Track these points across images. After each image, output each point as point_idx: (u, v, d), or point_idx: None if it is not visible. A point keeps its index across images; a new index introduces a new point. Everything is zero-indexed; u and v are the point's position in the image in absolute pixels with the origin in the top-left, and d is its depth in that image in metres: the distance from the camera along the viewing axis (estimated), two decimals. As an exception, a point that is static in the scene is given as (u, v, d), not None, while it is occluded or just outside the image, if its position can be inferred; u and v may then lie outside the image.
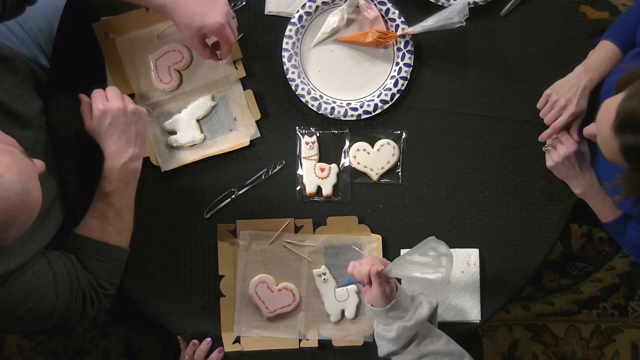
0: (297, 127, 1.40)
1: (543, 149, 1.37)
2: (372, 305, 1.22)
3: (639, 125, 0.97)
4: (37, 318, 1.15)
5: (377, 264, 1.18)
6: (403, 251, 1.40)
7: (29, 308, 1.12)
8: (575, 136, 1.33)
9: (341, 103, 1.39)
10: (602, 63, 1.29)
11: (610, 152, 1.04)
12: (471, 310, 1.40)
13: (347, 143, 1.40)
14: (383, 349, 1.23)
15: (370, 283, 1.20)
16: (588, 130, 1.14)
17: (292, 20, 1.37)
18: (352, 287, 1.38)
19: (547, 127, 1.36)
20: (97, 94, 1.26)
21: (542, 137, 1.37)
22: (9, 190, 0.89)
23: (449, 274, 1.12)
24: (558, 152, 1.32)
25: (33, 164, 0.97)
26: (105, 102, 1.25)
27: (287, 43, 1.37)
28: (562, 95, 1.31)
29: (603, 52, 1.30)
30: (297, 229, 1.40)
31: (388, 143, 1.39)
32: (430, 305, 1.21)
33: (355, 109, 1.39)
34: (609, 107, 1.02)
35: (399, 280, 1.31)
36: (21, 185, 0.91)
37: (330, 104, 1.38)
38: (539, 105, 1.37)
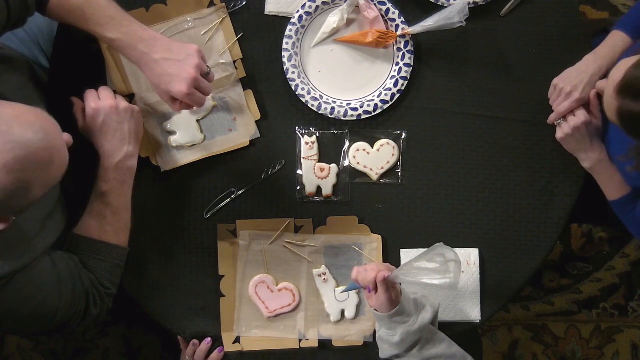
0: (296, 127, 1.40)
1: (555, 123, 1.36)
2: (376, 310, 1.21)
3: (638, 93, 0.98)
4: (40, 318, 1.15)
5: (384, 270, 1.17)
6: (403, 251, 1.40)
7: (33, 307, 1.12)
8: (594, 102, 1.31)
9: (341, 103, 1.39)
10: (612, 52, 1.28)
11: (610, 111, 1.05)
12: (471, 310, 1.40)
13: (347, 143, 1.40)
14: (385, 352, 1.22)
15: (376, 289, 1.19)
16: (599, 84, 1.14)
17: (292, 20, 1.37)
18: (352, 287, 1.38)
19: (552, 130, 1.37)
20: (89, 93, 1.27)
21: (549, 120, 1.37)
22: (26, 132, 0.91)
23: (457, 280, 1.11)
24: (569, 122, 1.31)
25: (55, 121, 0.99)
26: (98, 100, 1.26)
27: (287, 43, 1.37)
28: (568, 83, 1.31)
29: (613, 42, 1.29)
30: (297, 229, 1.40)
31: (388, 143, 1.39)
32: (433, 309, 1.20)
33: (355, 109, 1.39)
34: (622, 67, 1.02)
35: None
36: (39, 126, 0.93)
37: (330, 104, 1.38)
38: (548, 95, 1.37)
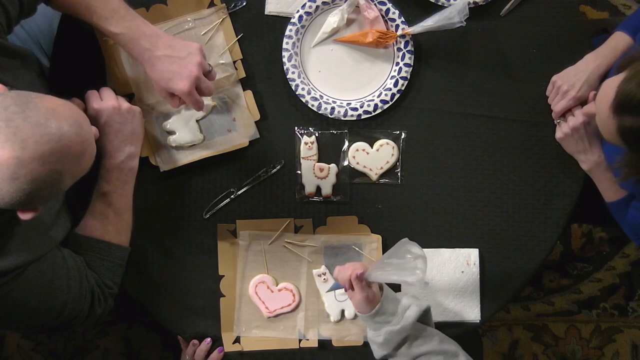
0: (296, 128, 1.40)
1: (555, 121, 1.37)
2: (358, 311, 1.21)
3: (637, 107, 0.98)
4: (48, 311, 1.16)
5: (358, 269, 1.17)
6: (403, 251, 1.40)
7: (43, 300, 1.13)
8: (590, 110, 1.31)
9: (341, 103, 1.39)
10: (613, 51, 1.28)
11: (608, 132, 1.04)
12: (471, 310, 1.40)
13: (346, 143, 1.40)
14: (376, 353, 1.23)
15: (353, 288, 1.19)
16: (587, 109, 1.14)
17: (292, 20, 1.37)
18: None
19: (551, 130, 1.38)
20: (91, 94, 1.27)
21: (553, 117, 1.37)
22: (63, 125, 0.93)
23: (424, 276, 1.11)
24: (568, 123, 1.32)
25: (85, 115, 1.02)
26: (100, 101, 1.26)
27: (287, 43, 1.37)
28: (566, 82, 1.31)
29: (615, 42, 1.29)
30: (297, 229, 1.40)
31: (387, 143, 1.39)
32: (419, 308, 1.19)
33: (355, 109, 1.39)
34: (609, 88, 1.02)
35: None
36: (73, 120, 0.96)
37: (330, 104, 1.38)
38: (547, 92, 1.37)
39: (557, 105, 1.33)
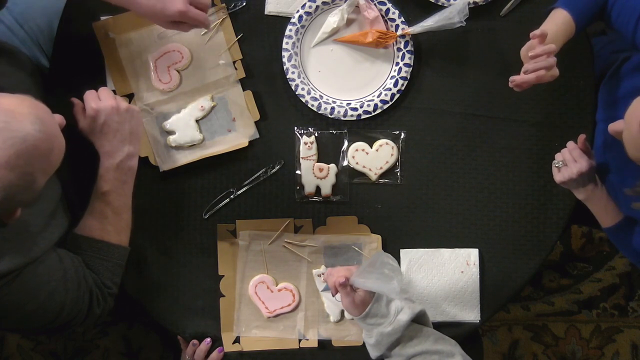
0: (295, 128, 1.40)
1: (554, 165, 1.33)
2: (348, 313, 1.23)
3: None
4: (47, 313, 1.15)
5: (341, 276, 1.18)
6: (403, 251, 1.40)
7: (40, 302, 1.13)
8: (584, 147, 1.29)
9: (341, 103, 1.39)
10: (559, 35, 1.22)
11: (637, 149, 1.02)
12: (471, 310, 1.40)
13: (346, 143, 1.40)
14: (371, 353, 1.23)
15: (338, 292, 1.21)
16: (614, 127, 1.10)
17: (292, 20, 1.37)
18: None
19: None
20: (89, 94, 1.27)
21: (513, 82, 1.20)
22: (24, 125, 0.91)
23: (400, 286, 1.13)
24: (571, 169, 1.28)
25: (45, 106, 0.99)
26: (98, 101, 1.25)
27: (287, 43, 1.37)
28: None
29: (559, 22, 1.22)
30: (296, 229, 1.40)
31: (387, 143, 1.39)
32: (412, 311, 1.19)
33: (355, 109, 1.39)
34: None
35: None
36: (34, 117, 0.93)
37: (330, 104, 1.38)
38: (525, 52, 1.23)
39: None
